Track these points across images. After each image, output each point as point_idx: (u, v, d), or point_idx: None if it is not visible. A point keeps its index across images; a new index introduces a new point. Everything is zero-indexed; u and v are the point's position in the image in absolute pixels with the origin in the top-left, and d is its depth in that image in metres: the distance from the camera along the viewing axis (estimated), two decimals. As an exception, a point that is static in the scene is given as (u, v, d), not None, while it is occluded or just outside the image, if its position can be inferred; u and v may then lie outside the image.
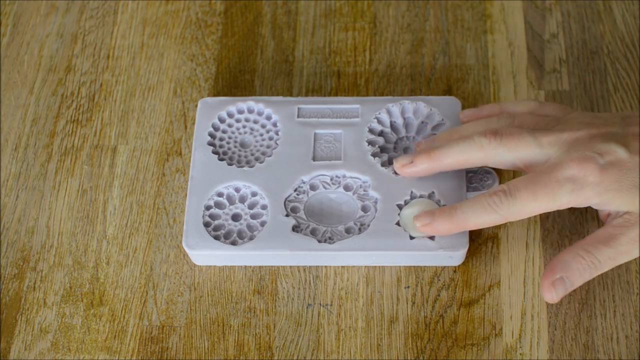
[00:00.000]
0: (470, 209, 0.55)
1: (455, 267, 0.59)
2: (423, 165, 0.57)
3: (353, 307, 0.58)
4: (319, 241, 0.58)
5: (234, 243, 0.59)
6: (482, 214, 0.54)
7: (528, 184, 0.53)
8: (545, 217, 0.60)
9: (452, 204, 0.59)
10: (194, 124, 0.65)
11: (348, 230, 0.59)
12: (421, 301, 0.58)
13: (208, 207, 0.60)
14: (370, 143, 0.62)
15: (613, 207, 0.53)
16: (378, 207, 0.59)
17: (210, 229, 0.59)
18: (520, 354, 0.56)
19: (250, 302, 0.59)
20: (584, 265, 0.53)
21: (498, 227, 0.60)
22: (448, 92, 0.66)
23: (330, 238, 0.59)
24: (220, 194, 0.61)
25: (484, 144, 0.55)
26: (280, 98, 0.64)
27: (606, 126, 0.55)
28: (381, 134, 0.62)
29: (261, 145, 0.63)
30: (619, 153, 0.53)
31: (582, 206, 0.54)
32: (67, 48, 0.70)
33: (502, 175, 0.62)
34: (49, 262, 0.61)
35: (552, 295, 0.54)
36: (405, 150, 0.62)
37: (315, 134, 0.62)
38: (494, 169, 0.61)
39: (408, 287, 0.59)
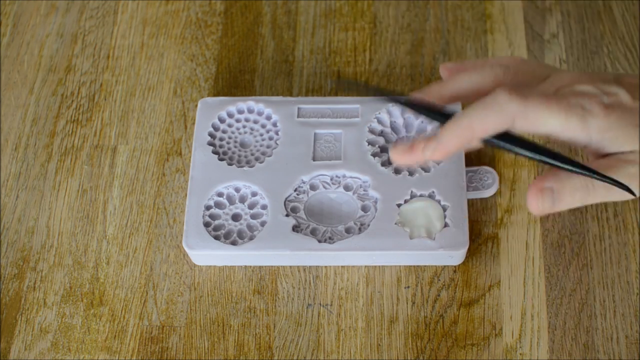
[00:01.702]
0: (472, 110, 0.49)
1: (455, 267, 0.59)
2: (429, 150, 0.50)
3: (353, 307, 0.58)
4: (319, 241, 0.58)
5: (234, 243, 0.59)
6: (488, 111, 0.48)
7: (538, 92, 0.49)
8: (545, 218, 0.60)
9: (452, 203, 0.59)
10: (194, 124, 0.65)
11: (348, 230, 0.59)
12: (421, 301, 0.58)
13: (208, 207, 0.60)
14: (370, 143, 0.62)
15: (614, 147, 0.50)
16: (378, 206, 0.59)
17: (210, 229, 0.59)
18: (520, 354, 0.56)
19: (250, 302, 0.59)
20: (577, 185, 0.50)
21: (498, 226, 0.60)
22: (448, 92, 0.66)
23: (330, 238, 0.59)
24: (220, 194, 0.61)
25: (503, 101, 0.49)
26: (280, 98, 0.64)
27: (600, 75, 0.52)
28: (381, 133, 0.62)
29: (261, 145, 0.63)
30: (621, 95, 0.50)
31: (581, 142, 0.50)
32: (67, 48, 0.70)
33: (503, 176, 0.62)
34: (49, 262, 0.61)
35: (538, 204, 0.49)
36: (405, 150, 0.62)
37: (315, 134, 0.62)
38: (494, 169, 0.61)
39: (408, 287, 0.59)
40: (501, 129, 0.49)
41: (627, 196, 0.50)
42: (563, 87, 0.50)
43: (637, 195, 0.50)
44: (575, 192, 0.50)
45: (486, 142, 0.50)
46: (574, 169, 0.50)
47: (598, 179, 0.49)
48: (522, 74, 0.52)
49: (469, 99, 0.51)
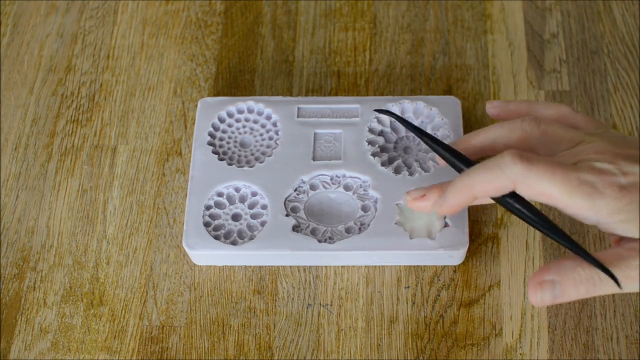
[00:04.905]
0: (475, 170, 0.49)
1: (455, 266, 0.59)
2: (434, 198, 0.54)
3: (353, 307, 0.58)
4: (319, 241, 0.58)
5: (234, 243, 0.59)
6: (489, 174, 0.49)
7: (550, 160, 0.48)
8: (545, 217, 0.60)
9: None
10: (194, 124, 0.65)
11: (348, 230, 0.59)
12: (421, 301, 0.58)
13: (208, 207, 0.60)
14: (370, 143, 0.62)
15: (623, 232, 0.48)
16: (378, 206, 0.59)
17: (210, 228, 0.59)
18: (520, 354, 0.56)
19: (250, 302, 0.59)
20: (581, 277, 0.48)
21: (498, 226, 0.60)
22: (448, 92, 0.66)
23: (330, 238, 0.59)
24: (220, 194, 0.61)
25: (506, 165, 0.48)
26: (280, 98, 0.64)
27: (631, 148, 0.49)
28: (381, 133, 0.62)
29: (261, 145, 0.63)
30: None
31: (589, 221, 0.48)
32: (67, 48, 0.70)
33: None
34: (49, 262, 0.61)
35: (537, 298, 0.48)
36: (406, 150, 0.62)
37: (315, 133, 0.62)
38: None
39: (408, 287, 0.59)
40: (502, 191, 0.49)
41: (637, 288, 0.48)
42: (583, 160, 0.49)
43: (621, 288, 0.48)
44: (580, 285, 0.48)
45: (494, 199, 0.51)
46: (569, 246, 0.49)
47: (588, 261, 0.48)
48: (551, 135, 0.52)
49: (496, 152, 0.52)
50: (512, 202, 0.50)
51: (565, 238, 0.49)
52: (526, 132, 0.52)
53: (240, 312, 0.58)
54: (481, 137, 0.54)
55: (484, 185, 0.49)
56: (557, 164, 0.48)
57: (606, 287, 0.48)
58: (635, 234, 0.47)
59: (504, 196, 0.50)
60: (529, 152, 0.51)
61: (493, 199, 0.51)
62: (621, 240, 0.49)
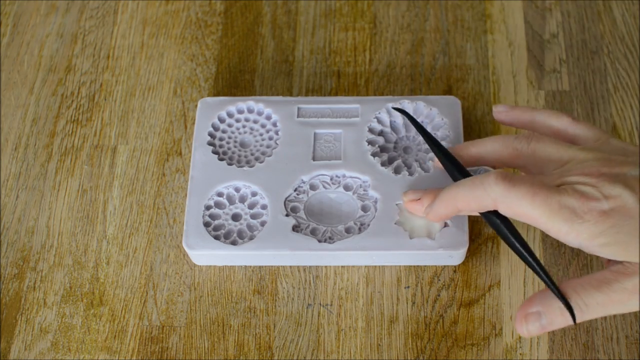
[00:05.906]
0: (460, 185, 0.51)
1: (455, 266, 0.59)
2: (427, 204, 0.56)
3: (353, 307, 0.58)
4: (319, 241, 0.58)
5: (234, 243, 0.59)
6: (472, 191, 0.50)
7: (533, 183, 0.49)
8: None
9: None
10: (194, 124, 0.65)
11: (348, 230, 0.59)
12: (421, 301, 0.58)
13: (208, 207, 0.60)
14: (370, 143, 0.62)
15: (606, 254, 0.48)
16: (378, 206, 0.59)
17: (210, 228, 0.59)
18: (520, 354, 0.56)
19: (250, 302, 0.59)
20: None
21: (498, 227, 0.60)
22: (448, 92, 0.66)
23: (330, 238, 0.59)
24: (220, 194, 0.61)
25: (488, 184, 0.50)
26: (280, 98, 0.64)
27: (621, 165, 0.49)
28: (381, 133, 0.62)
29: (261, 145, 0.63)
30: (624, 198, 0.47)
31: (572, 244, 0.48)
32: (67, 48, 0.70)
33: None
34: (49, 262, 0.61)
35: (524, 330, 0.50)
36: (405, 150, 0.62)
37: (315, 133, 0.62)
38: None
39: (408, 287, 0.59)
40: (484, 208, 0.51)
41: (630, 308, 0.48)
42: (567, 182, 0.49)
43: (576, 322, 0.48)
44: (566, 313, 0.49)
45: (481, 214, 0.52)
46: (539, 273, 0.50)
47: (552, 290, 0.49)
48: (540, 154, 0.53)
49: (488, 164, 0.55)
50: (494, 219, 0.51)
51: (537, 265, 0.50)
52: (517, 150, 0.53)
53: (240, 312, 0.58)
54: (477, 149, 0.56)
55: (467, 200, 0.51)
56: (539, 186, 0.49)
57: (593, 312, 0.48)
58: (618, 256, 0.48)
59: (486, 213, 0.52)
60: (521, 168, 0.54)
61: (479, 213, 0.52)
62: (610, 261, 0.50)
